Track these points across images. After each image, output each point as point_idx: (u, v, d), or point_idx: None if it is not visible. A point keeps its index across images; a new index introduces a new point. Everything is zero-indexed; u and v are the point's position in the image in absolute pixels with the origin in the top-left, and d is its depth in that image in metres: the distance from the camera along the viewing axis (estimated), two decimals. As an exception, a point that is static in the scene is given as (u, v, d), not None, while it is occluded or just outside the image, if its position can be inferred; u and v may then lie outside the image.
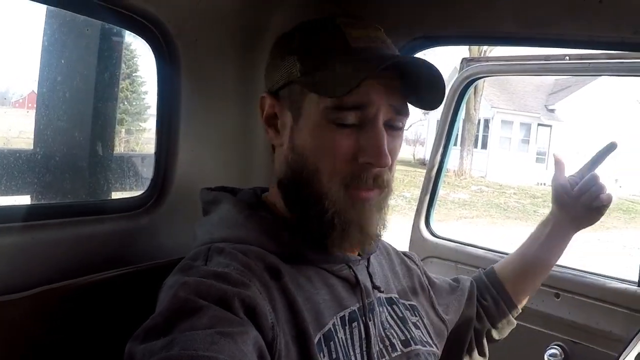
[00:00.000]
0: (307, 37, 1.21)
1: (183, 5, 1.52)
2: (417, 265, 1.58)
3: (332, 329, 1.15)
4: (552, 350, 2.25)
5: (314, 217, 1.17)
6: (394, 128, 1.20)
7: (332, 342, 1.13)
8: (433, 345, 1.40)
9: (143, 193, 1.61)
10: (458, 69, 2.72)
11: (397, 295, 1.39)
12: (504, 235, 13.58)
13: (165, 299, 0.99)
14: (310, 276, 1.18)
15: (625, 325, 2.09)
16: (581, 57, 2.24)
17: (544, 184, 27.67)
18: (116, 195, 1.77)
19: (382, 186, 1.19)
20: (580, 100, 27.46)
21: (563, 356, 2.23)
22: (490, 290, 1.68)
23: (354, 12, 1.81)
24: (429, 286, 1.54)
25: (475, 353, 1.68)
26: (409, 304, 1.42)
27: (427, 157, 2.95)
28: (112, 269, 1.38)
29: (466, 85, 2.67)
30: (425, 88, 1.18)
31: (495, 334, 1.70)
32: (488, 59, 2.61)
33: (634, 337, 1.62)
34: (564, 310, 2.27)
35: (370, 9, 1.83)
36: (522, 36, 1.76)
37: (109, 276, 1.35)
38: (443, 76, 1.16)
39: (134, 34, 1.53)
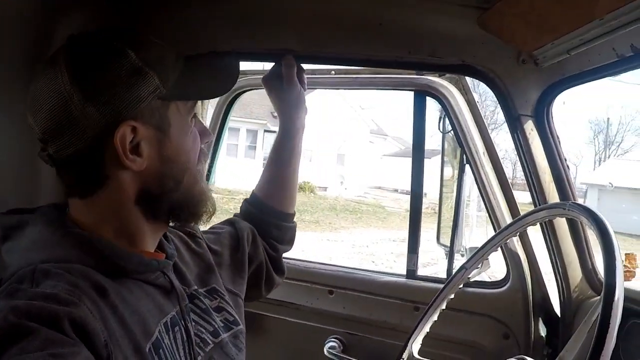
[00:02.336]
0: (141, 50, 1.17)
1: None
2: (202, 240, 1.58)
3: (159, 336, 1.16)
4: (331, 344, 2.42)
5: (187, 206, 1.29)
6: None
7: (160, 350, 1.15)
8: (239, 321, 1.47)
9: None
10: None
11: (196, 287, 1.40)
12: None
13: None
14: (131, 288, 1.18)
15: (398, 314, 2.33)
16: (347, 72, 2.40)
17: (272, 188, 28.75)
18: None
19: None
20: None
21: (342, 347, 2.40)
22: (269, 219, 1.76)
23: (142, 25, 1.80)
24: (214, 263, 1.55)
25: (276, 276, 1.77)
26: (206, 290, 1.44)
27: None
28: None
29: (233, 98, 2.74)
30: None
31: (287, 248, 1.82)
32: (255, 72, 2.65)
33: (419, 321, 1.80)
34: (339, 305, 2.45)
35: (158, 23, 1.82)
36: (304, 54, 1.83)
37: None
38: None
39: None
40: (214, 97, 1.35)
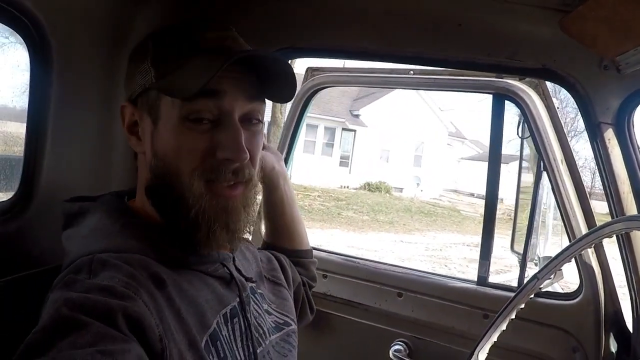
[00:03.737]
0: (160, 43, 1.22)
1: (59, 2, 1.44)
2: (254, 248, 1.61)
3: (217, 327, 1.17)
4: (397, 347, 2.40)
5: (181, 219, 1.17)
6: (252, 123, 1.22)
7: (218, 342, 1.15)
8: (290, 322, 1.49)
9: (9, 199, 1.50)
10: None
11: (255, 282, 1.42)
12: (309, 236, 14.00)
13: (48, 314, 0.95)
14: (190, 279, 1.19)
15: (466, 321, 2.29)
16: (425, 72, 2.38)
17: (347, 187, 28.80)
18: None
19: (244, 180, 1.20)
20: (384, 106, 29.02)
21: (407, 352, 2.38)
22: (292, 259, 1.75)
23: (221, 18, 1.83)
24: (263, 272, 1.56)
25: (309, 312, 1.80)
26: (259, 292, 1.44)
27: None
28: None
29: (311, 94, 2.71)
30: (277, 82, 1.22)
31: (313, 284, 1.85)
32: (333, 70, 2.66)
33: (488, 330, 1.77)
34: (407, 308, 2.43)
35: (238, 16, 1.84)
36: (383, 53, 1.86)
37: None
38: (293, 70, 1.22)
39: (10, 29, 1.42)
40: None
